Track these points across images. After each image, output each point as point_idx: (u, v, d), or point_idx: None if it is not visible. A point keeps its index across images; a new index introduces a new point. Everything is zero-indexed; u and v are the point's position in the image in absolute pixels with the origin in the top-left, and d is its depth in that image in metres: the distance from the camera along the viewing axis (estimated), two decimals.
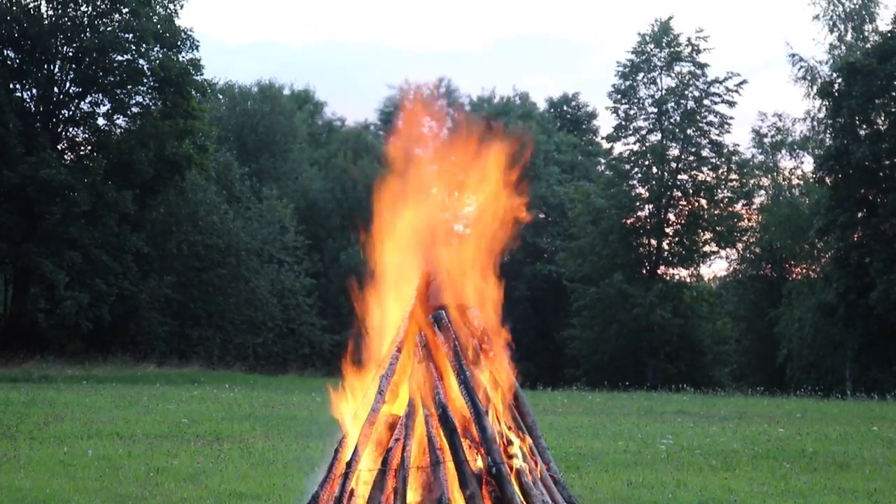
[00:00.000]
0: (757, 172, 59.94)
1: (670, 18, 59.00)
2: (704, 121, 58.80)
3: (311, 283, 57.73)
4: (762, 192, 60.61)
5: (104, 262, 45.07)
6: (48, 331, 43.95)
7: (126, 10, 46.68)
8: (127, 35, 46.74)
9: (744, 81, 58.47)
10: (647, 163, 59.50)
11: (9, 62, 46.15)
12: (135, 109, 48.54)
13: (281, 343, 55.23)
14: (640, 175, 60.06)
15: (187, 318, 51.75)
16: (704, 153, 59.28)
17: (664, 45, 58.75)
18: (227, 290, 52.97)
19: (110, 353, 43.83)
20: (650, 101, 59.43)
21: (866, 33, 53.41)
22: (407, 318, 8.11)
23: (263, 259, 54.92)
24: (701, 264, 61.19)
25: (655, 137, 59.34)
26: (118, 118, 48.75)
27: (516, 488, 7.63)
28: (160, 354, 47.25)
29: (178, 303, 51.22)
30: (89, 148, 48.99)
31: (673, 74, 59.02)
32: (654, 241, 59.82)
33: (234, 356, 50.99)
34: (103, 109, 48.33)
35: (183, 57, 48.31)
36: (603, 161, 67.15)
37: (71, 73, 47.08)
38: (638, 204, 59.89)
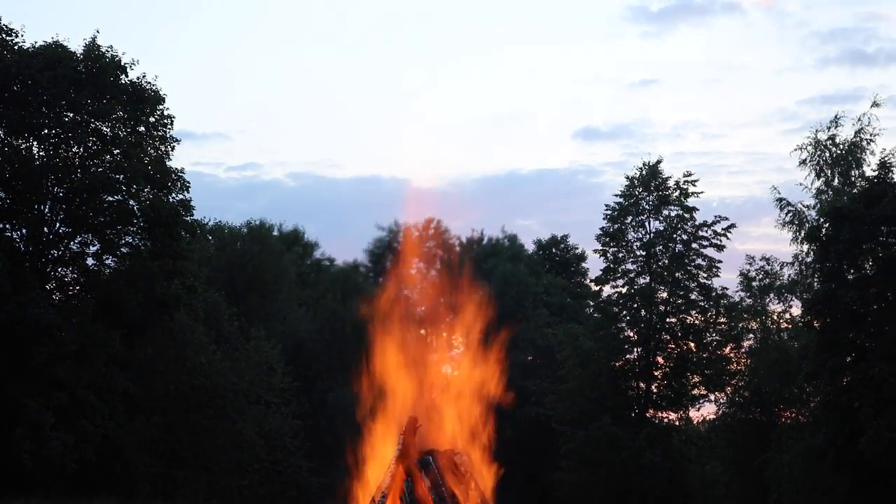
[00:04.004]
0: (745, 316, 59.95)
1: (658, 162, 59.47)
2: (693, 264, 58.97)
3: (299, 425, 57.42)
4: (751, 335, 60.56)
5: (91, 402, 44.67)
6: (33, 472, 43.53)
7: (117, 151, 46.90)
8: (118, 176, 46.83)
9: (732, 225, 58.86)
10: (635, 305, 59.58)
11: None
12: (124, 249, 48.40)
13: (268, 485, 54.75)
14: (628, 318, 60.12)
15: (173, 459, 51.28)
16: (693, 296, 59.39)
17: (652, 188, 59.09)
18: (214, 431, 52.57)
19: (95, 493, 43.38)
20: (638, 244, 59.62)
21: (853, 178, 53.75)
22: (394, 463, 8.08)
23: (251, 400, 54.62)
24: (690, 407, 60.95)
25: (644, 280, 59.45)
26: (107, 258, 48.62)
27: None
28: (145, 496, 46.79)
29: (165, 443, 50.81)
30: (78, 287, 48.74)
31: (661, 218, 59.28)
32: (642, 384, 59.69)
33: (220, 498, 50.47)
34: (93, 249, 48.21)
35: (173, 197, 48.45)
36: (591, 303, 67.23)
37: (61, 213, 47.04)
38: (626, 346, 59.87)
